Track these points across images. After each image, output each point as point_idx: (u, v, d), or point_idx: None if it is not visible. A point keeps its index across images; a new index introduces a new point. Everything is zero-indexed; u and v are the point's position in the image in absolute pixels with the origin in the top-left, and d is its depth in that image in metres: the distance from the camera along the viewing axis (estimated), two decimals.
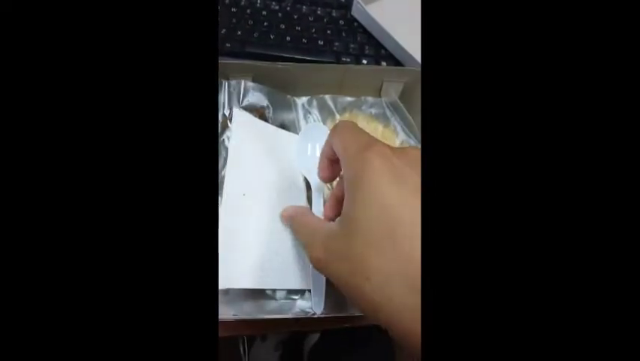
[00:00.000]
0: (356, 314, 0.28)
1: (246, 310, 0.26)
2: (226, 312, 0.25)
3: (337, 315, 0.27)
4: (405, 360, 0.74)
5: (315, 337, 0.64)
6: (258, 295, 0.28)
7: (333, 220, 0.20)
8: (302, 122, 0.36)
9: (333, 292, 0.29)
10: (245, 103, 0.34)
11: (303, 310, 0.27)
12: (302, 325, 0.29)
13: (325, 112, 0.37)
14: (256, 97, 0.34)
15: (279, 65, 0.34)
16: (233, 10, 0.44)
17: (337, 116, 0.36)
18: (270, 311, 0.27)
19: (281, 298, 0.28)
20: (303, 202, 0.31)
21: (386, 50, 0.44)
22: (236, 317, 0.26)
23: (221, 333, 0.28)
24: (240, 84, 0.34)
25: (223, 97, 0.34)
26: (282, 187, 0.30)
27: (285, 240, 0.27)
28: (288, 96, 0.36)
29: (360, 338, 0.48)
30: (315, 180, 0.29)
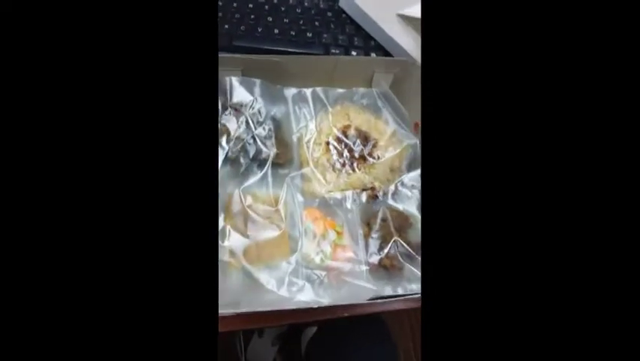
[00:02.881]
0: (354, 303, 0.28)
1: (245, 304, 0.26)
2: (224, 308, 0.25)
3: (336, 304, 0.27)
4: (405, 351, 0.75)
5: (312, 330, 0.64)
6: (257, 289, 0.28)
7: None
8: (293, 115, 0.36)
9: (332, 283, 0.30)
10: (234, 100, 0.34)
11: (303, 302, 0.27)
12: (300, 316, 0.29)
13: (317, 104, 0.36)
14: (243, 94, 0.34)
15: (270, 57, 0.34)
16: (220, 3, 0.43)
17: (329, 108, 0.36)
18: (270, 304, 0.27)
19: (281, 292, 0.28)
20: None
21: (375, 41, 0.44)
22: (237, 312, 0.25)
23: (220, 328, 0.28)
24: (226, 81, 0.33)
25: None
26: None
27: None
28: (279, 86, 0.36)
29: (357, 330, 0.48)
30: None
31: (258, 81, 0.34)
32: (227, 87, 0.33)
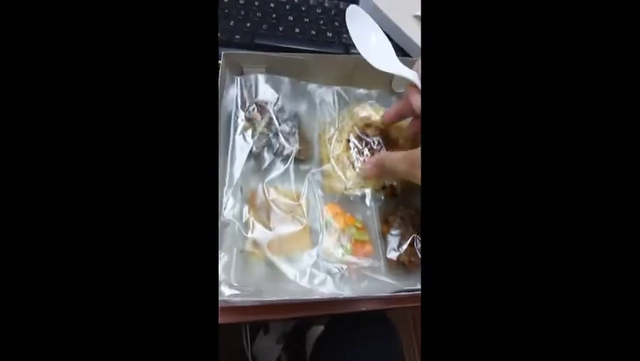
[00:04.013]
0: (371, 296, 0.28)
1: (269, 294, 0.27)
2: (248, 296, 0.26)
3: (360, 296, 0.28)
4: (410, 353, 0.75)
5: (318, 329, 0.65)
6: (279, 279, 0.28)
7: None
8: (315, 112, 0.37)
9: (352, 277, 0.30)
10: (260, 97, 0.34)
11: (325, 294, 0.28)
12: (324, 308, 0.29)
13: (339, 103, 0.37)
14: (269, 91, 0.35)
15: (294, 55, 0.34)
16: (241, 2, 0.44)
17: (351, 107, 0.37)
18: (293, 295, 0.27)
19: (302, 283, 0.28)
20: None
21: (394, 42, 0.44)
22: (260, 301, 0.26)
23: (240, 319, 0.29)
24: (251, 78, 0.34)
25: (236, 92, 0.34)
26: None
27: None
28: (303, 84, 0.37)
29: (363, 329, 0.48)
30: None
31: (283, 79, 0.35)
32: (253, 84, 0.33)
